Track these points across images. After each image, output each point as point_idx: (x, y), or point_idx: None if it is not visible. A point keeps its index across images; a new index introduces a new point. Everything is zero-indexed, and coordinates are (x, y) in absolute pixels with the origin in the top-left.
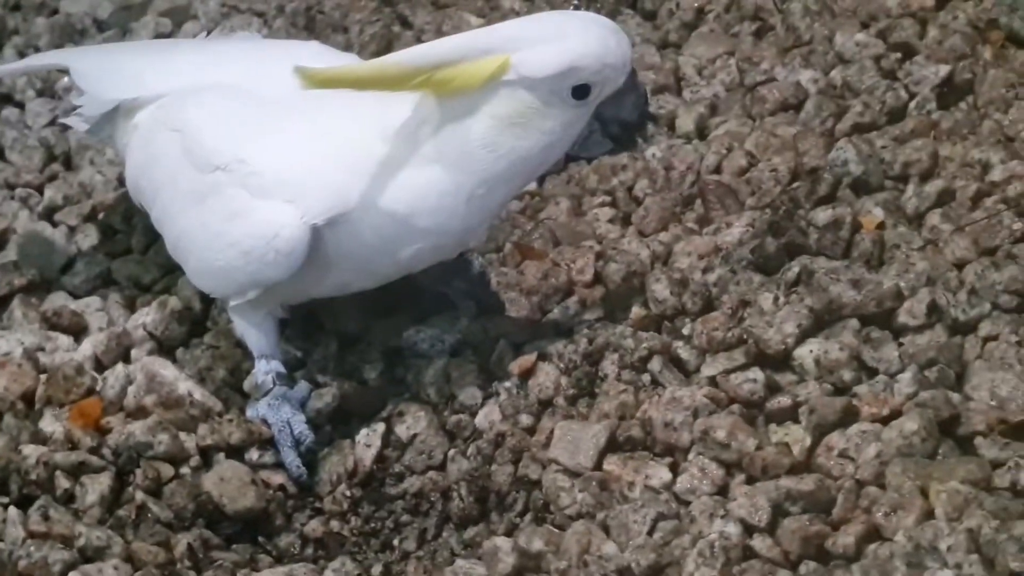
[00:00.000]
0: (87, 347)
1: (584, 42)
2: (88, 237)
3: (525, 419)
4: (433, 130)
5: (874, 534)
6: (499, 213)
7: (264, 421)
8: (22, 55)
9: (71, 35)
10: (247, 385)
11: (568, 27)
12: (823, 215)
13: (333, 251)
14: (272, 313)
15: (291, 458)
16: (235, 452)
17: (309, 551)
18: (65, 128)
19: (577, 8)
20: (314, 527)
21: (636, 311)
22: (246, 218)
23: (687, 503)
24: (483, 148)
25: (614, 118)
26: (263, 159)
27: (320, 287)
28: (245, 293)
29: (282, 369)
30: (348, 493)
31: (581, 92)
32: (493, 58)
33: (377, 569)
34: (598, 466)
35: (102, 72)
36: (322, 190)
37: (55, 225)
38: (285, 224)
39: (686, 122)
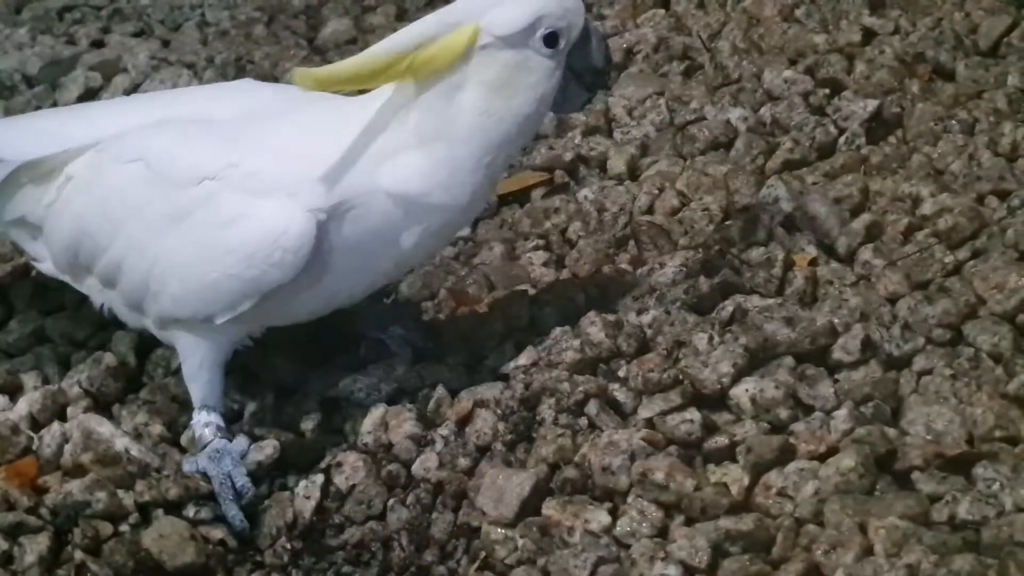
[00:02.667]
0: (22, 406)
1: None
2: (21, 295)
3: (463, 466)
4: (423, 112)
5: (814, 572)
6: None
7: (204, 474)
8: None
9: (0, 92)
10: (184, 439)
11: None
12: (755, 253)
13: (336, 247)
14: (236, 342)
15: (233, 512)
16: (173, 508)
17: None
18: None
19: None
20: None
21: (571, 354)
22: (248, 220)
23: (627, 546)
24: (481, 115)
25: (584, 67)
26: (255, 160)
27: (310, 300)
28: (236, 307)
29: (221, 422)
30: (288, 546)
31: (551, 40)
32: (463, 29)
33: None
34: (521, 517)
35: (18, 136)
36: (323, 180)
37: None
38: (292, 219)
39: (617, 163)
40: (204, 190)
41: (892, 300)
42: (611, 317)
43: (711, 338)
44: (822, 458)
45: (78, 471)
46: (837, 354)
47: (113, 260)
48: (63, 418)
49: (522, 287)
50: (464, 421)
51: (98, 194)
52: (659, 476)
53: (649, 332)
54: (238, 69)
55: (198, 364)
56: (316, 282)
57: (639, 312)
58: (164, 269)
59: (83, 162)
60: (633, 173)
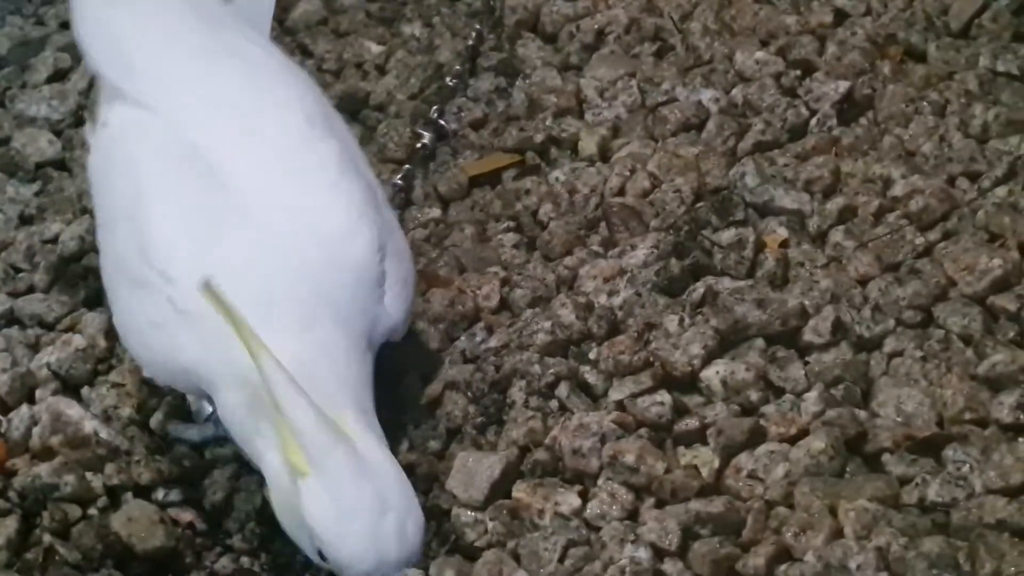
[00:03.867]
0: None
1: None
2: None
3: (433, 448)
4: None
5: (784, 555)
6: None
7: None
8: None
9: None
10: (153, 422)
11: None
12: (726, 235)
13: None
14: None
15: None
16: (143, 491)
17: None
18: None
19: (479, 33)
20: (224, 564)
21: (542, 337)
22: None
23: (597, 529)
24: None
25: None
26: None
27: None
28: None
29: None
30: (257, 530)
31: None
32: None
33: None
34: (491, 499)
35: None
36: None
37: None
38: None
39: (589, 145)
40: (150, 279)
41: (863, 282)
42: (582, 299)
43: (682, 320)
44: (792, 440)
45: (47, 454)
46: (808, 336)
47: (97, 235)
48: (32, 401)
49: (493, 269)
50: (434, 404)
51: (106, 169)
52: (629, 459)
53: (620, 314)
54: None
55: None
56: None
57: (610, 294)
58: (120, 320)
59: (118, 120)
60: (604, 155)
